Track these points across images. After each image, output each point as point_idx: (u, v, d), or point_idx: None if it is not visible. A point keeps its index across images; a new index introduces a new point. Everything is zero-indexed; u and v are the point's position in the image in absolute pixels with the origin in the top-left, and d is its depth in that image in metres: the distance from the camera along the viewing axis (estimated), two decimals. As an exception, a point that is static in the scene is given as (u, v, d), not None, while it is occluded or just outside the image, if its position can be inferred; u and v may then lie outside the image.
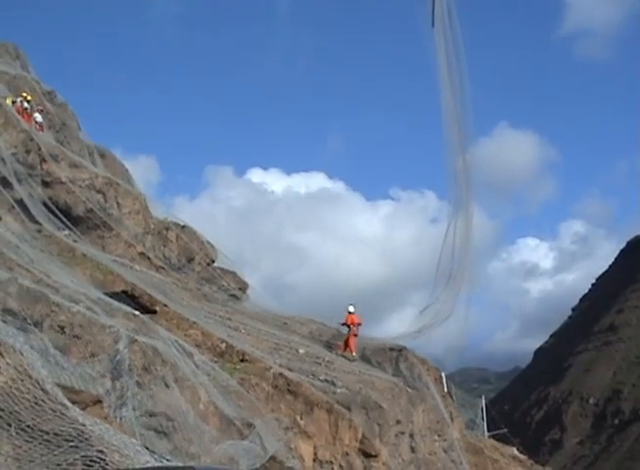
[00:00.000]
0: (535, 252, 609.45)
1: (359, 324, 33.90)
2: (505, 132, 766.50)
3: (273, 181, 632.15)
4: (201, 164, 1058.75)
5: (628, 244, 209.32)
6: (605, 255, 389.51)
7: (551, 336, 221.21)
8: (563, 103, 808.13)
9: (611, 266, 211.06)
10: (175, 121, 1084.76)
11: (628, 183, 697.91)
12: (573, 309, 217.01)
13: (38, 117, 38.50)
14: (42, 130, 38.04)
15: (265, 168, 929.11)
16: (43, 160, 33.26)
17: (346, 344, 33.79)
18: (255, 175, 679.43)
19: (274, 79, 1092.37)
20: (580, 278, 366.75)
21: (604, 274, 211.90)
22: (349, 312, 33.63)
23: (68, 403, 11.13)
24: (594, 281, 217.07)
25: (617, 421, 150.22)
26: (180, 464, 11.24)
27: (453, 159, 36.23)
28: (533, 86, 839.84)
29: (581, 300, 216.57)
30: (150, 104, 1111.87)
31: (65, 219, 31.68)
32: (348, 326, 33.58)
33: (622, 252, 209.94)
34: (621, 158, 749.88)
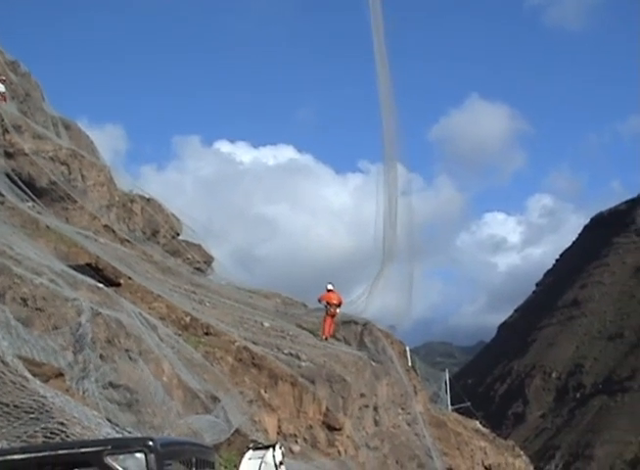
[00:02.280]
0: (504, 225, 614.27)
1: (337, 304, 32.53)
2: (476, 104, 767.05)
3: (241, 153, 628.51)
4: (168, 134, 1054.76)
5: (592, 220, 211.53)
6: (573, 229, 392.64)
7: (515, 311, 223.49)
8: (534, 73, 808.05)
9: (575, 242, 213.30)
10: (143, 90, 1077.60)
11: (598, 157, 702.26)
12: (538, 285, 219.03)
13: (1, 87, 37.97)
14: (5, 101, 37.54)
15: (232, 141, 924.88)
16: (6, 131, 32.87)
17: (323, 323, 32.74)
18: (223, 147, 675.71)
19: (246, 47, 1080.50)
20: (548, 252, 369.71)
21: (568, 250, 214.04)
22: (328, 290, 32.37)
23: (29, 376, 11.06)
24: (558, 257, 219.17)
25: (578, 395, 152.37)
26: (140, 435, 11.21)
27: (383, 117, 36.30)
28: (504, 56, 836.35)
29: (545, 275, 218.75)
30: (117, 72, 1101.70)
31: (28, 191, 31.38)
32: (326, 306, 32.38)
33: (586, 228, 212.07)
34: (592, 130, 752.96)
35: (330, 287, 32.52)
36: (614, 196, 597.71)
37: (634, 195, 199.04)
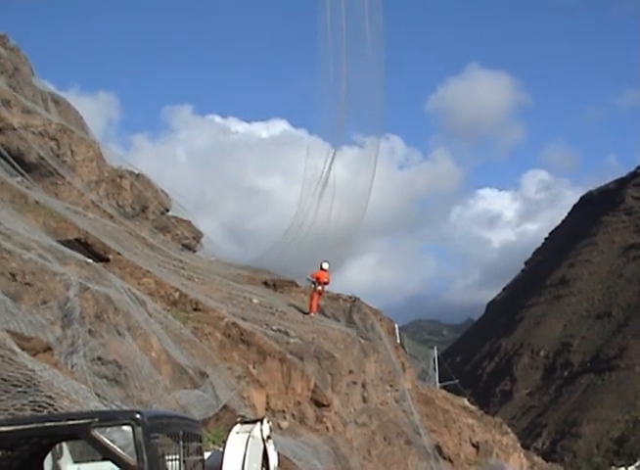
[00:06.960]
0: (500, 201, 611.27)
1: (326, 283, 32.63)
2: (476, 73, 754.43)
3: (234, 126, 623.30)
4: (160, 103, 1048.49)
5: (582, 199, 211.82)
6: (569, 204, 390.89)
7: (504, 289, 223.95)
8: (535, 42, 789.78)
9: (564, 221, 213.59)
10: (135, 58, 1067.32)
11: (594, 132, 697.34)
12: (526, 263, 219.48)
13: (-10, 61, 37.77)
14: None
15: (224, 116, 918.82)
16: (-5, 105, 32.70)
17: (310, 300, 32.86)
18: (216, 119, 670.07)
19: (239, 18, 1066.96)
20: (543, 229, 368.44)
21: (557, 228, 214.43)
22: (322, 269, 32.42)
23: (18, 349, 11.07)
24: (547, 235, 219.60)
25: (566, 373, 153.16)
26: (127, 408, 11.24)
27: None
28: (506, 24, 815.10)
29: (534, 253, 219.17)
30: (109, 39, 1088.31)
31: (17, 166, 31.23)
32: (314, 283, 32.35)
33: (576, 206, 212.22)
34: (589, 104, 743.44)
35: (325, 266, 32.54)
36: (609, 171, 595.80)
37: (629, 170, 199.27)
